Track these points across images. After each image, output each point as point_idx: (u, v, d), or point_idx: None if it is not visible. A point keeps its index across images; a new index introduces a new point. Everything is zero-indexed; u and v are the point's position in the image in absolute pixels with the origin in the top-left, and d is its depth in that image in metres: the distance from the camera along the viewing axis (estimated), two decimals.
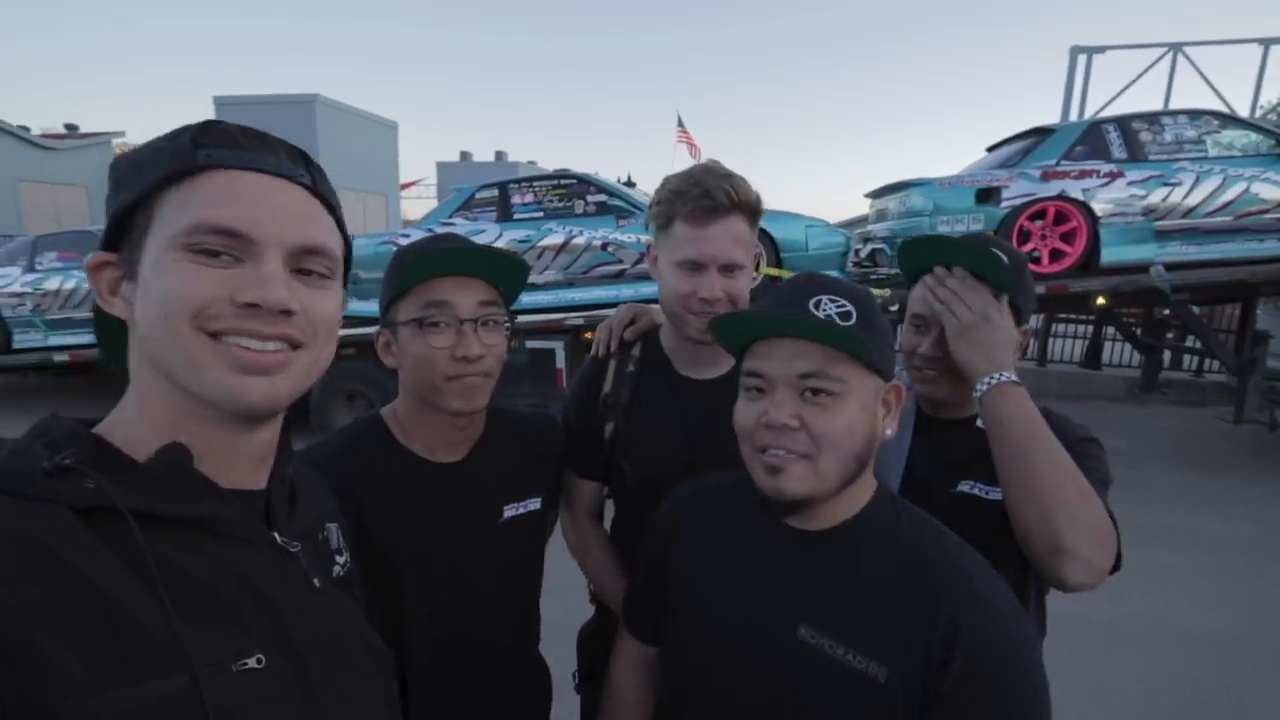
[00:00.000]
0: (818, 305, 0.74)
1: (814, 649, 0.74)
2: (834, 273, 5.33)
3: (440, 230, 3.59)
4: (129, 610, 0.46)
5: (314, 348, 0.57)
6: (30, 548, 0.44)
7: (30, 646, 0.41)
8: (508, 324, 1.01)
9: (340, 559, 0.71)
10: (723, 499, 0.90)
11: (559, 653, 1.28)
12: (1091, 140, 5.18)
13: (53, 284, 6.24)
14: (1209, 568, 3.60)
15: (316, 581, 0.61)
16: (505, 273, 0.99)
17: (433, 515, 1.00)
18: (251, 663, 0.51)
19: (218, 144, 0.54)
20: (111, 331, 0.60)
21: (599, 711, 1.05)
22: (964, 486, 1.02)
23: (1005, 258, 1.02)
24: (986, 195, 5.06)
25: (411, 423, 1.03)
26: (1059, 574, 0.87)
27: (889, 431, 0.79)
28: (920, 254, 1.10)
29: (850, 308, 0.75)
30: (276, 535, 0.59)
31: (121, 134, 19.43)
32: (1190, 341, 6.40)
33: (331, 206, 0.61)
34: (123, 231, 0.54)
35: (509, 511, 1.07)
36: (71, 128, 19.73)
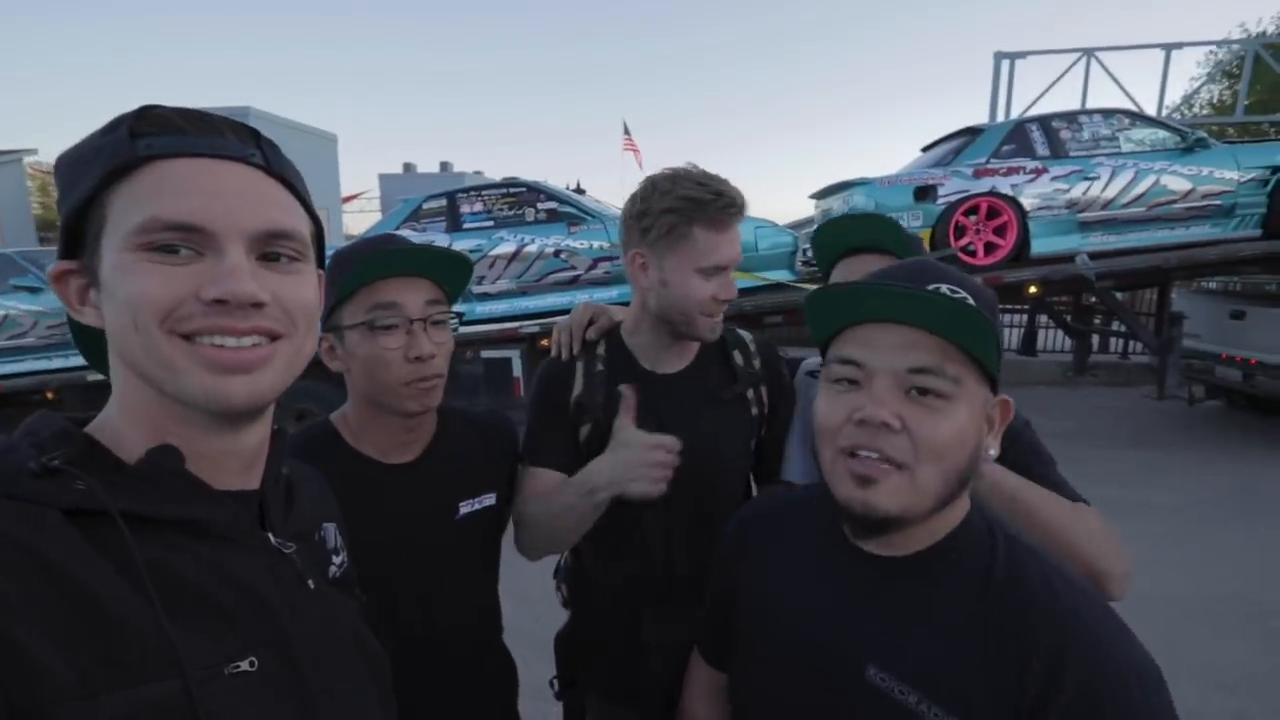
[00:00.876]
0: (936, 292, 0.62)
1: (884, 693, 0.64)
2: (783, 272, 5.46)
3: None
4: (119, 613, 0.45)
5: (294, 337, 0.55)
6: (13, 549, 0.43)
7: (14, 648, 0.40)
8: (454, 321, 1.02)
9: (337, 559, 0.70)
10: (787, 518, 0.83)
11: (527, 657, 1.27)
12: (1017, 139, 5.48)
13: None
14: (1147, 534, 3.82)
15: (311, 583, 0.60)
16: (449, 270, 1.00)
17: (388, 515, 1.00)
18: (244, 666, 0.50)
19: (157, 131, 0.50)
20: (94, 341, 0.56)
21: None
22: None
23: (901, 228, 1.13)
24: (924, 193, 5.28)
25: (362, 426, 1.03)
26: (1110, 595, 0.92)
27: (992, 452, 0.67)
28: (830, 239, 1.18)
29: (971, 300, 0.63)
30: (270, 536, 0.58)
31: (33, 151, 18.24)
32: (1115, 325, 6.80)
33: (291, 185, 0.57)
34: (78, 236, 0.51)
35: (465, 508, 1.08)
36: None
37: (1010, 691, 0.59)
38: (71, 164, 0.51)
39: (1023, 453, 1.05)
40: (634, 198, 1.15)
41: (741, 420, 1.22)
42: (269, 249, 0.53)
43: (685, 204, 1.08)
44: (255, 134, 0.55)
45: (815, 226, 6.31)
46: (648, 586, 1.19)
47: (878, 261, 1.09)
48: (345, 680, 0.60)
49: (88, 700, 0.42)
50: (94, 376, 5.37)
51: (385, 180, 31.21)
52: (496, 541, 1.18)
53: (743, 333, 1.30)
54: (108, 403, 0.55)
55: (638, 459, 1.00)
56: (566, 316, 1.28)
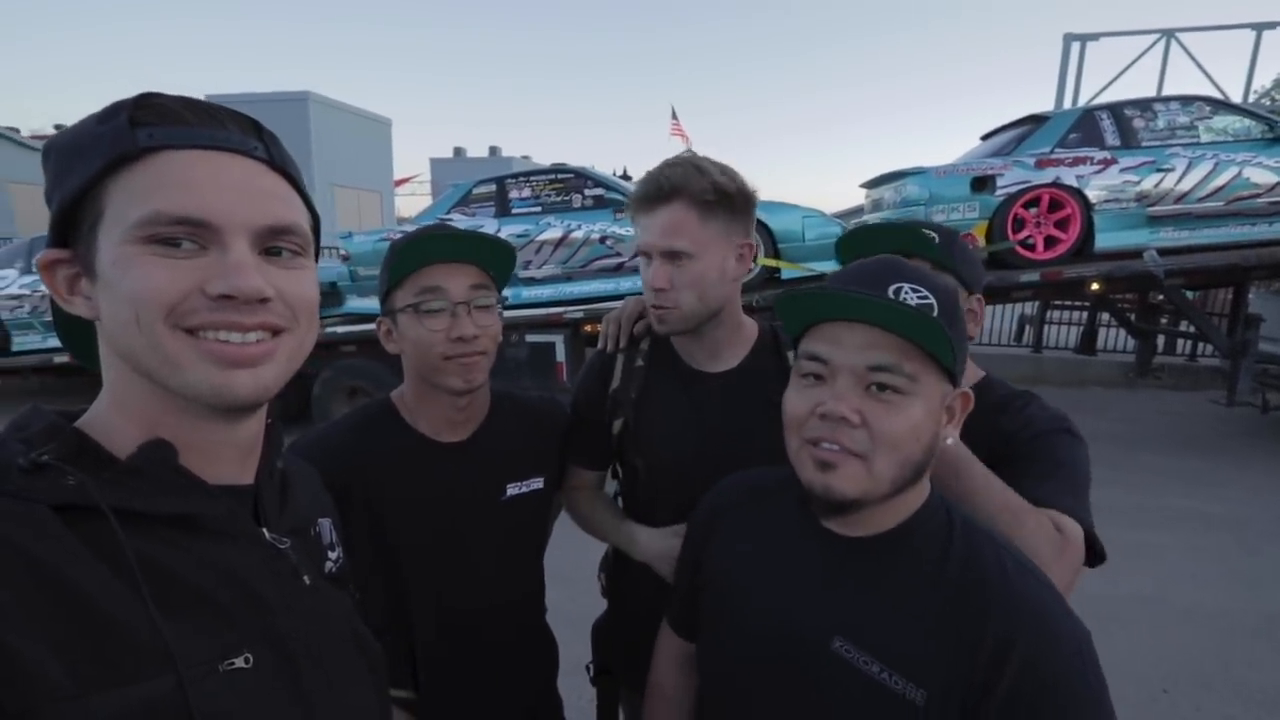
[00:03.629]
0: (898, 293, 0.67)
1: (848, 663, 0.69)
2: (830, 264, 5.37)
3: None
4: (110, 610, 0.44)
5: (296, 331, 0.55)
6: (1, 547, 0.42)
7: (4, 649, 0.40)
8: (500, 305, 1.06)
9: (332, 555, 0.70)
10: (760, 497, 0.86)
11: (564, 637, 1.30)
12: (1085, 128, 5.20)
13: None
14: (1201, 546, 3.65)
15: (307, 579, 0.59)
16: (493, 256, 1.04)
17: (437, 492, 1.05)
18: (239, 662, 0.49)
19: (159, 121, 0.48)
20: (77, 330, 0.56)
21: (643, 708, 1.05)
22: None
23: (934, 234, 1.08)
24: (981, 183, 5.08)
25: (417, 404, 1.08)
26: None
27: (949, 440, 0.72)
28: (853, 248, 1.14)
29: (932, 300, 0.67)
30: (265, 532, 0.57)
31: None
32: (1184, 326, 6.45)
33: (292, 179, 0.56)
34: (70, 225, 0.49)
35: (512, 490, 1.12)
36: (61, 128, 19.33)
37: (964, 662, 0.64)
38: (64, 151, 0.49)
39: (1033, 449, 0.98)
40: None
41: None
42: (272, 244, 0.52)
43: (634, 188, 1.11)
44: (257, 125, 0.54)
45: (864, 216, 6.19)
46: None
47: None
48: (342, 676, 0.60)
49: (80, 699, 0.41)
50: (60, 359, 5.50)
51: (436, 164, 31.84)
52: (543, 524, 1.22)
53: None
54: (98, 397, 0.54)
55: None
56: (618, 307, 1.28)
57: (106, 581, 0.45)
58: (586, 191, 5.67)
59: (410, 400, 1.09)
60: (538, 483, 1.16)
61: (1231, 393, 5.36)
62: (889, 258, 0.73)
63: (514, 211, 5.72)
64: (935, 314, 0.66)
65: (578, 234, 5.53)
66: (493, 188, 5.80)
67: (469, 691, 1.09)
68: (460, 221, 5.60)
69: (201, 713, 0.45)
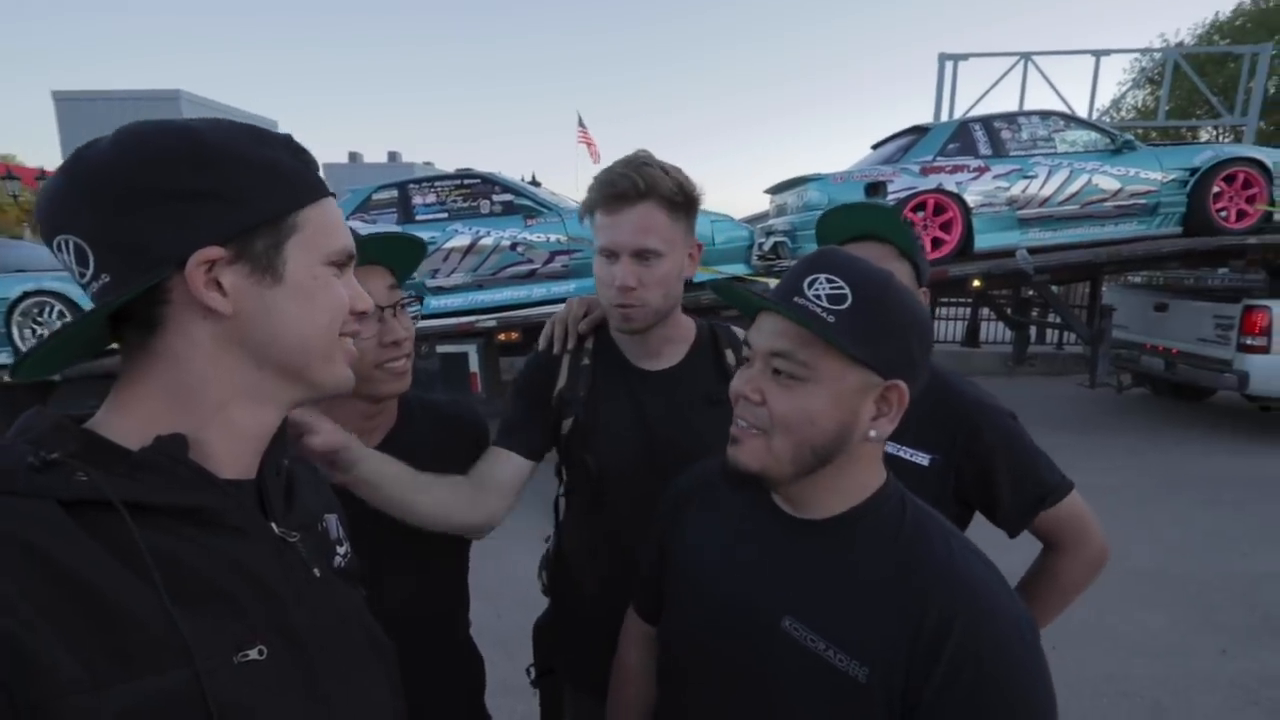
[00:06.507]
0: (811, 284, 0.69)
1: (796, 641, 0.72)
2: (739, 266, 5.53)
3: None
4: (124, 603, 0.45)
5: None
6: (13, 546, 0.43)
7: (15, 644, 0.40)
8: (416, 305, 1.02)
9: (341, 549, 0.71)
10: (720, 484, 0.87)
11: (490, 656, 1.25)
12: (962, 138, 5.69)
13: None
14: None
15: (317, 571, 0.61)
16: (405, 255, 1.03)
17: (345, 503, 0.97)
18: (253, 654, 0.50)
19: (317, 170, 0.60)
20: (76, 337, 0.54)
21: (610, 687, 1.04)
22: (889, 449, 1.09)
23: (908, 221, 1.17)
24: (875, 189, 5.42)
25: (323, 412, 0.99)
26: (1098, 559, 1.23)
27: (873, 433, 0.71)
28: (837, 224, 1.21)
29: (846, 291, 0.68)
30: (274, 525, 0.58)
31: None
32: (1051, 317, 7.15)
33: None
34: (244, 232, 0.53)
35: None
36: None
37: (905, 639, 0.66)
38: (255, 168, 0.53)
39: (1008, 473, 1.11)
40: None
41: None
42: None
43: (592, 187, 1.09)
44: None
45: (770, 221, 6.43)
46: (628, 585, 1.18)
47: (874, 248, 1.14)
48: (355, 668, 0.61)
49: (96, 692, 0.42)
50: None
51: (330, 170, 30.18)
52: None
53: (738, 330, 1.25)
54: (115, 399, 0.54)
55: None
56: (561, 308, 1.26)
57: (120, 575, 0.45)
58: (495, 197, 5.54)
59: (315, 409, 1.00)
60: None
61: (1093, 376, 5.99)
62: (829, 249, 0.75)
63: (418, 218, 5.49)
64: (845, 304, 0.68)
65: (487, 240, 5.39)
66: (395, 193, 5.55)
67: None
68: (361, 229, 5.30)
69: (218, 705, 0.46)
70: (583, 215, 1.13)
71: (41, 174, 17.13)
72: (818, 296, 0.68)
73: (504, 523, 1.11)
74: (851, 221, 1.21)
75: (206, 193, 0.51)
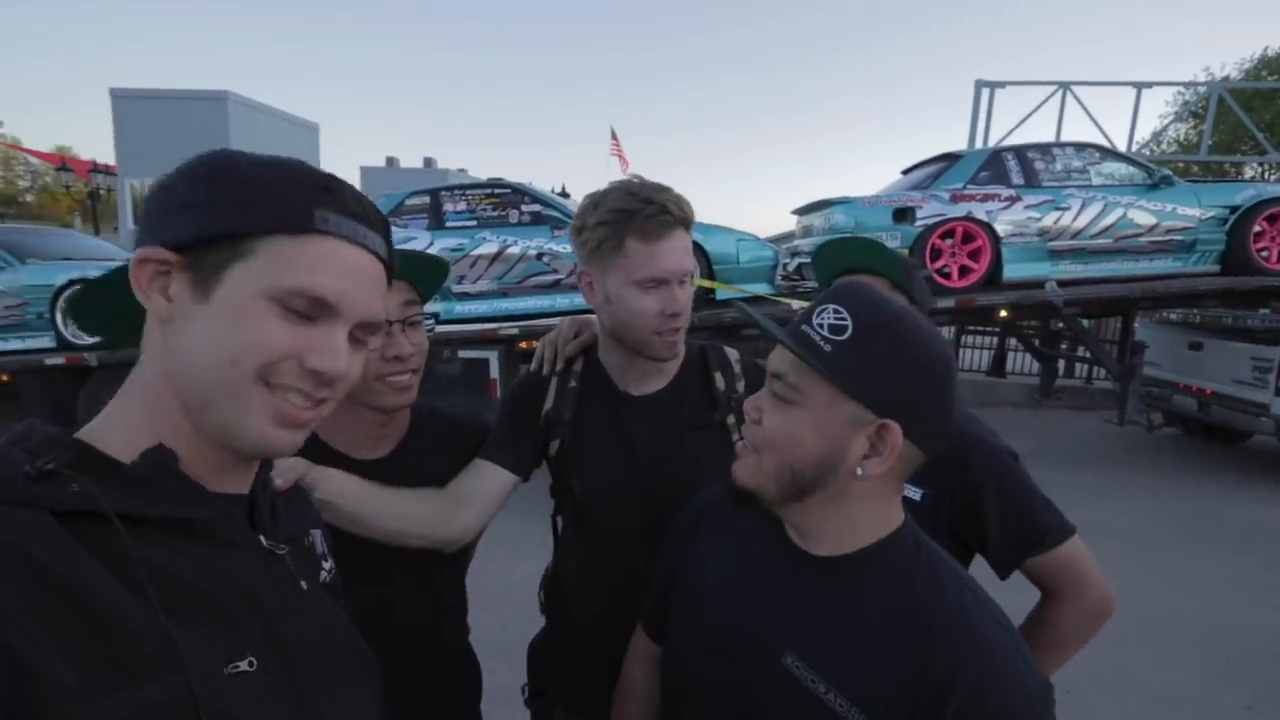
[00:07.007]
0: (820, 313, 0.70)
1: (796, 680, 0.70)
2: (763, 286, 5.53)
3: None
4: (117, 614, 0.45)
5: (333, 401, 0.59)
6: (7, 555, 0.43)
7: (16, 656, 0.40)
8: (430, 322, 1.05)
9: (326, 564, 0.71)
10: (736, 511, 0.86)
11: (492, 666, 1.26)
12: (993, 167, 5.63)
13: None
14: (1098, 555, 3.93)
15: (304, 584, 0.61)
16: (426, 273, 1.03)
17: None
18: (243, 665, 0.50)
19: (336, 211, 0.54)
20: (95, 308, 0.57)
21: (613, 704, 1.04)
22: None
23: (897, 257, 1.20)
24: (903, 215, 5.40)
25: (334, 420, 1.01)
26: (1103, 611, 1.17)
27: (859, 471, 0.69)
28: (833, 256, 1.24)
29: (848, 323, 0.68)
30: (263, 539, 0.59)
31: None
32: (1080, 351, 7.01)
33: (392, 274, 0.62)
34: (193, 241, 0.52)
35: None
36: None
37: (907, 689, 0.65)
38: (243, 184, 0.52)
39: (997, 509, 1.09)
40: (576, 214, 1.12)
41: (723, 446, 1.14)
42: (359, 335, 0.58)
43: (615, 215, 1.04)
44: (385, 224, 0.60)
45: (795, 241, 6.42)
46: (622, 612, 1.13)
47: (869, 281, 1.14)
48: (342, 680, 0.61)
49: (90, 704, 0.42)
50: (52, 360, 5.23)
51: (367, 173, 30.83)
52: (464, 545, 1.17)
53: (730, 351, 1.25)
54: (106, 409, 0.55)
55: None
56: (554, 329, 1.25)
57: (112, 586, 0.45)
58: (524, 207, 5.63)
59: (327, 415, 1.03)
60: None
61: (1122, 413, 5.84)
62: (855, 282, 0.77)
63: (448, 225, 5.60)
64: (845, 335, 0.68)
65: (514, 250, 5.47)
66: (426, 199, 5.67)
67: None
68: (392, 233, 5.42)
69: (209, 715, 0.46)
70: (600, 246, 1.07)
71: (94, 167, 17.72)
72: (821, 325, 0.69)
73: (509, 532, 1.12)
74: (846, 254, 1.24)
75: (189, 202, 0.52)
